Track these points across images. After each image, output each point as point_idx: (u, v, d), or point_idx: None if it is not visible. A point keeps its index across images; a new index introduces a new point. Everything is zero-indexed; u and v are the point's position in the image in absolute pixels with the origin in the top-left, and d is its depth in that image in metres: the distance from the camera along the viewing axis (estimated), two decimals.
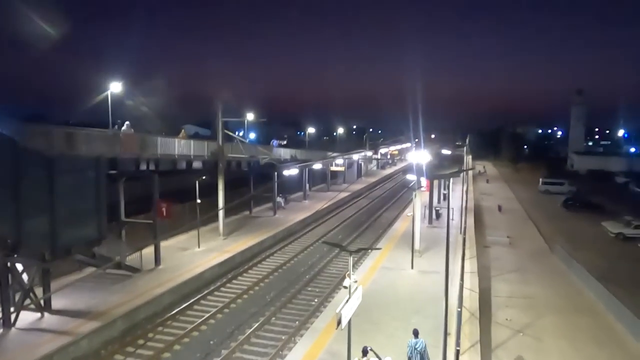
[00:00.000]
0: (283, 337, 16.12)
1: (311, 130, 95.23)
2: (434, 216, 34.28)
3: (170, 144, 25.25)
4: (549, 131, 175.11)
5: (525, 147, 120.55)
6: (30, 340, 14.50)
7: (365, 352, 11.47)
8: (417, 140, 37.62)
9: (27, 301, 16.08)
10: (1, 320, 15.27)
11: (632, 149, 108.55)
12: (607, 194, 54.10)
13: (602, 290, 20.26)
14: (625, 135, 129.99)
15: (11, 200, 13.80)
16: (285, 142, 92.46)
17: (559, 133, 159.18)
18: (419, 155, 29.94)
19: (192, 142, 27.72)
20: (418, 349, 12.09)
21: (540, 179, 61.91)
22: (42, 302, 16.45)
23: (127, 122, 23.05)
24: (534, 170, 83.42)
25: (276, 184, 36.72)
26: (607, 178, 74.34)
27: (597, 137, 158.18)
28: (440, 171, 39.96)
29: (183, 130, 32.83)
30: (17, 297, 16.15)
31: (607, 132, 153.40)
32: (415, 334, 12.54)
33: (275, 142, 48.04)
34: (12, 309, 15.55)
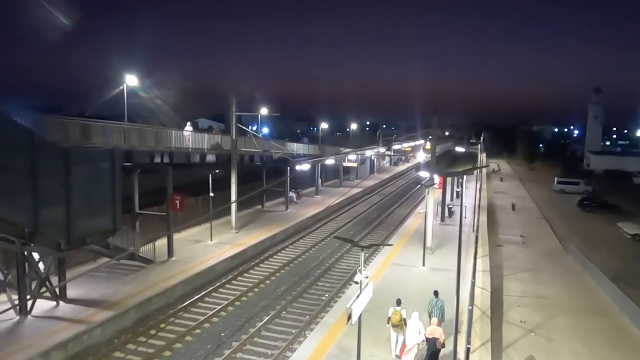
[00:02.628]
0: (293, 331, 16.19)
1: (324, 125, 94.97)
2: (446, 213, 34.04)
3: (184, 137, 25.46)
4: (565, 130, 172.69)
5: (541, 145, 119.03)
6: (45, 327, 14.77)
7: (399, 303, 13.57)
8: (430, 137, 37.34)
9: (43, 289, 16.39)
10: (18, 308, 15.57)
11: None
12: (624, 195, 53.22)
13: (616, 291, 19.98)
14: None
15: (28, 190, 13.99)
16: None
17: (576, 132, 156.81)
18: (426, 155, 29.84)
19: (205, 135, 27.89)
20: (438, 306, 14.17)
21: (556, 178, 61.12)
22: (57, 290, 16.74)
23: (188, 123, 25.23)
24: (549, 169, 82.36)
25: (289, 178, 36.79)
26: (624, 178, 73.08)
27: (614, 136, 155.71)
28: (452, 168, 39.70)
29: (217, 128, 33.69)
30: (33, 286, 16.48)
31: (625, 131, 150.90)
32: (436, 294, 14.65)
33: (306, 140, 48.49)
34: (28, 297, 15.85)
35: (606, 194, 51.52)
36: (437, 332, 12.71)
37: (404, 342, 13.24)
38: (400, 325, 13.22)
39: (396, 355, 13.34)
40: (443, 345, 12.81)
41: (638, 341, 16.57)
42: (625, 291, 19.54)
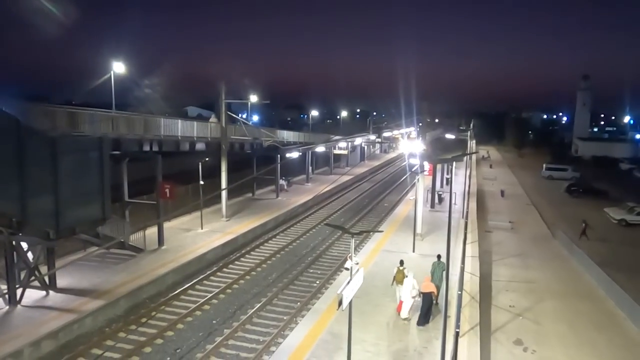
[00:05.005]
0: (285, 318, 16.29)
1: (315, 113, 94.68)
2: (436, 200, 34.27)
3: (174, 125, 25.24)
4: (554, 117, 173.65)
5: (530, 132, 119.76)
6: (35, 317, 14.73)
7: (402, 263, 16.05)
8: (420, 124, 37.37)
9: (32, 279, 16.29)
10: (7, 298, 15.49)
11: (638, 135, 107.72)
12: (611, 180, 53.92)
13: (602, 275, 20.33)
14: (631, 122, 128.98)
15: (16, 179, 13.85)
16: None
17: (564, 119, 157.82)
18: (411, 145, 29.88)
19: (195, 123, 27.67)
20: (440, 267, 15.90)
21: (544, 165, 61.71)
22: (47, 280, 16.65)
23: (213, 114, 24.89)
24: (538, 156, 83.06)
25: (279, 166, 36.72)
26: (612, 164, 73.93)
27: (602, 123, 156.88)
28: (442, 155, 39.86)
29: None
30: (22, 275, 16.37)
31: (613, 118, 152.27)
32: (439, 257, 16.40)
33: (305, 129, 48.28)
34: (17, 287, 15.75)
35: (594, 180, 52.17)
36: (430, 287, 14.64)
37: (400, 298, 14.88)
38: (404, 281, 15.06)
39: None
40: (436, 298, 14.95)
41: (623, 324, 16.92)
42: (611, 275, 19.90)
